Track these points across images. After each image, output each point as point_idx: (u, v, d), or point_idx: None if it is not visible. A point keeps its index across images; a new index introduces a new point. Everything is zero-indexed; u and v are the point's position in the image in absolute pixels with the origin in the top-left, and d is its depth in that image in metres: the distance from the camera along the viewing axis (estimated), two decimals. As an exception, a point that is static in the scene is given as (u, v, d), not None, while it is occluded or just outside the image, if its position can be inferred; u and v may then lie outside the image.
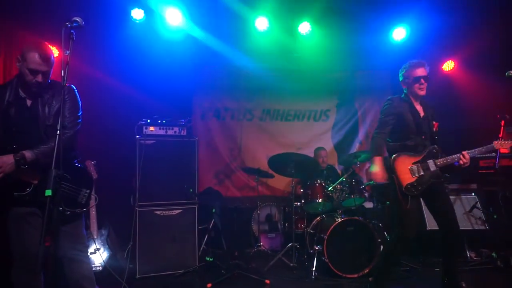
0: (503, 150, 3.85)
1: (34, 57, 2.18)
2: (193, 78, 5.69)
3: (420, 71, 3.00)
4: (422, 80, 2.98)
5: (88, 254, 2.60)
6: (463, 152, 2.92)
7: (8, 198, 2.17)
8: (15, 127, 2.22)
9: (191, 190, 4.11)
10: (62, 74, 1.81)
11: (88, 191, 2.45)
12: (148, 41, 4.88)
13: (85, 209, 2.43)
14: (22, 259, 2.17)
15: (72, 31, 1.95)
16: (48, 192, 1.59)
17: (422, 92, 3.02)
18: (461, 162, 2.91)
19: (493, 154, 3.99)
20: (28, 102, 2.30)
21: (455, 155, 2.94)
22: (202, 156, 5.51)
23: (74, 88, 2.44)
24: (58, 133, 1.73)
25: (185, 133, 4.26)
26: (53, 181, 1.61)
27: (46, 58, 2.22)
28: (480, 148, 2.97)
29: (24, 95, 2.30)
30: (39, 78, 2.22)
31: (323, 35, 5.38)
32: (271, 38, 5.36)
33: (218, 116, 5.88)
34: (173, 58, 5.08)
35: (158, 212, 3.97)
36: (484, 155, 4.17)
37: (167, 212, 4.00)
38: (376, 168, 2.92)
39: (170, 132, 4.20)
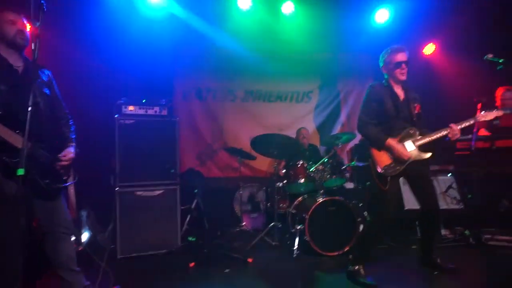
0: (481, 133, 3.97)
1: (8, 12, 2.25)
2: (175, 58, 5.54)
3: (401, 56, 3.03)
4: (403, 65, 3.02)
5: (72, 232, 2.55)
6: (451, 125, 2.97)
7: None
8: (6, 94, 2.16)
9: (172, 170, 4.06)
10: (33, 48, 1.71)
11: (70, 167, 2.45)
12: (127, 19, 4.70)
13: (67, 184, 2.42)
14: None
15: (42, 1, 1.85)
16: (21, 171, 1.52)
17: (403, 77, 3.05)
18: (450, 135, 2.97)
19: (469, 136, 4.10)
20: (19, 69, 2.28)
21: (442, 130, 2.99)
22: (184, 137, 5.43)
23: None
24: (29, 109, 1.63)
25: (166, 113, 4.17)
26: (25, 160, 1.54)
27: (17, 12, 2.28)
28: (466, 120, 3.04)
29: (11, 62, 2.26)
30: (19, 25, 2.26)
31: (307, 15, 5.34)
32: (254, 18, 5.28)
33: (200, 96, 5.78)
34: (153, 37, 4.91)
35: (139, 193, 3.91)
36: (461, 138, 4.27)
37: (148, 192, 3.95)
38: (398, 147, 2.90)
39: (150, 111, 4.10)
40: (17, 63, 2.30)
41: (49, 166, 2.29)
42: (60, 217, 2.36)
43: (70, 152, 2.41)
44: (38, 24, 1.82)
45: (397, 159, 2.93)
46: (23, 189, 1.61)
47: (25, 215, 1.71)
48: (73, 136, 2.54)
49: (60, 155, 2.34)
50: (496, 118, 3.11)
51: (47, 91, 2.40)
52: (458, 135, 2.97)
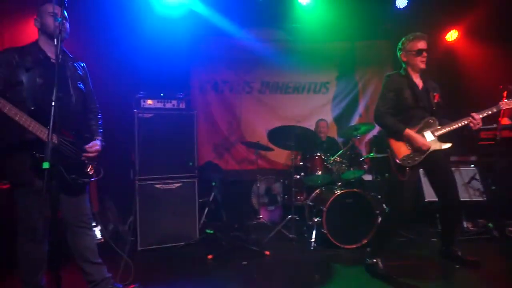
0: (504, 122, 3.84)
1: (49, 6, 2.29)
2: (191, 51, 5.55)
3: (422, 44, 2.99)
4: (424, 53, 2.98)
5: (92, 226, 2.62)
6: (472, 114, 2.91)
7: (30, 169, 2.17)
8: (43, 87, 2.21)
9: (190, 163, 4.11)
10: (55, 43, 1.75)
11: (96, 161, 2.49)
12: (144, 13, 4.73)
13: (93, 179, 2.46)
14: (26, 228, 2.18)
15: None
16: (46, 165, 1.56)
17: (423, 65, 3.01)
18: (471, 124, 2.91)
19: (494, 125, 3.96)
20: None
21: (463, 119, 2.93)
22: (201, 130, 5.48)
23: None
24: (53, 104, 1.68)
25: (183, 106, 4.21)
26: (51, 153, 1.58)
27: (59, 4, 2.26)
28: (487, 110, 2.95)
29: (50, 56, 2.32)
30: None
31: (324, 4, 5.23)
32: (270, 8, 5.21)
33: (217, 89, 5.80)
34: (170, 31, 4.93)
35: (158, 186, 3.97)
36: (485, 127, 4.14)
37: (167, 185, 4.01)
38: (417, 138, 2.86)
39: (168, 105, 4.15)
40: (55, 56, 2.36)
41: (76, 160, 2.34)
42: (82, 211, 2.43)
43: (96, 144, 2.43)
44: (59, 20, 1.85)
45: (416, 149, 2.87)
46: (49, 182, 1.65)
47: (50, 206, 1.74)
48: (101, 130, 2.59)
49: (86, 146, 2.36)
50: None
51: (81, 85, 2.45)
52: (480, 125, 2.90)
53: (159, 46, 4.90)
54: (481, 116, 2.91)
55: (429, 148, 2.86)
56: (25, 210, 2.19)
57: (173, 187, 4.04)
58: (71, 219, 2.39)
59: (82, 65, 2.53)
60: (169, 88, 4.31)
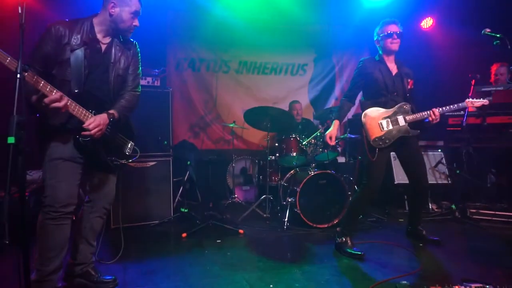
0: (470, 109, 4.00)
1: (137, 1, 2.29)
2: (168, 27, 5.38)
3: (392, 27, 3.07)
4: (395, 36, 3.04)
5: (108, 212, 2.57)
6: (433, 109, 3.03)
7: (64, 140, 2.12)
8: (87, 69, 2.14)
9: (165, 142, 4.05)
10: (20, 11, 1.63)
11: (132, 143, 2.47)
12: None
13: (130, 160, 2.43)
14: (52, 201, 2.08)
15: None
16: (11, 140, 1.49)
17: (394, 46, 3.07)
18: (430, 118, 3.02)
19: (462, 112, 4.13)
20: (103, 47, 2.25)
21: (425, 112, 3.04)
22: (177, 109, 5.39)
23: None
24: (18, 76, 1.58)
25: (158, 84, 4.11)
26: (16, 128, 1.50)
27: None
28: (450, 106, 3.08)
29: (99, 38, 2.23)
30: (137, 22, 2.32)
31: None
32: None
33: (193, 67, 5.68)
34: (145, 4, 4.73)
35: (132, 164, 3.89)
36: (453, 113, 4.31)
37: (141, 164, 3.95)
38: (331, 130, 3.13)
39: (142, 82, 4.01)
40: (105, 40, 2.27)
41: (114, 142, 2.30)
42: (109, 194, 2.43)
43: (93, 120, 2.07)
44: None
45: (388, 133, 2.98)
46: (15, 158, 1.57)
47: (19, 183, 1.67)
48: (121, 105, 2.33)
49: (83, 124, 2.06)
50: (482, 105, 3.14)
51: (122, 72, 2.33)
52: (438, 120, 3.02)
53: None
54: (440, 112, 3.01)
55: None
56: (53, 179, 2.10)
57: (148, 165, 3.99)
58: (97, 199, 2.38)
59: (132, 50, 2.40)
60: (144, 64, 4.15)
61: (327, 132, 3.13)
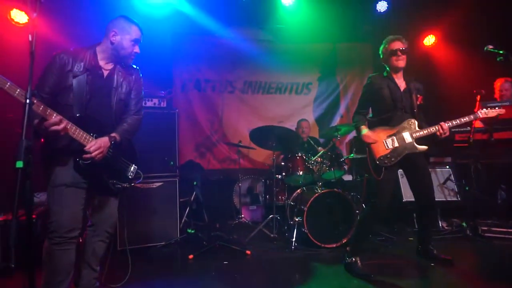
0: (477, 125, 3.98)
1: (137, 29, 2.40)
2: (174, 49, 5.51)
3: (397, 44, 3.05)
4: (399, 52, 3.02)
5: (111, 237, 2.54)
6: (441, 123, 2.99)
7: (66, 164, 2.15)
8: (89, 94, 2.20)
9: (171, 162, 4.07)
10: (30, 39, 1.68)
11: (135, 166, 2.46)
12: (124, 8, 4.64)
13: (132, 184, 2.43)
14: (57, 226, 2.10)
15: None
16: (19, 164, 1.50)
17: (401, 63, 3.05)
18: (438, 133, 2.99)
19: (468, 128, 4.10)
20: (105, 73, 2.31)
21: (433, 127, 3.01)
22: (183, 129, 5.43)
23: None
24: (28, 102, 1.62)
25: (165, 105, 4.16)
26: (24, 153, 1.52)
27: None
28: (461, 118, 3.04)
29: (101, 65, 2.30)
30: (137, 49, 2.40)
31: (306, 5, 5.28)
32: (253, 8, 5.21)
33: (199, 88, 5.76)
34: (152, 27, 4.86)
35: (138, 185, 3.91)
36: (459, 129, 4.28)
37: (147, 185, 3.96)
38: (365, 131, 3.05)
39: (149, 103, 4.08)
40: (107, 66, 2.33)
41: (116, 165, 2.32)
42: (111, 217, 2.42)
43: (94, 143, 2.11)
44: (35, 15, 1.78)
45: (393, 151, 2.95)
46: (24, 182, 1.58)
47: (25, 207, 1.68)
48: (123, 128, 2.37)
49: (85, 147, 2.10)
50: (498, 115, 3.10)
51: (124, 97, 2.38)
52: (447, 134, 2.99)
53: (140, 44, 4.82)
54: (450, 125, 2.99)
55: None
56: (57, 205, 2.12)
57: (154, 186, 3.99)
58: (99, 222, 2.38)
59: (134, 75, 2.46)
60: (151, 86, 4.25)
61: (363, 134, 3.04)
